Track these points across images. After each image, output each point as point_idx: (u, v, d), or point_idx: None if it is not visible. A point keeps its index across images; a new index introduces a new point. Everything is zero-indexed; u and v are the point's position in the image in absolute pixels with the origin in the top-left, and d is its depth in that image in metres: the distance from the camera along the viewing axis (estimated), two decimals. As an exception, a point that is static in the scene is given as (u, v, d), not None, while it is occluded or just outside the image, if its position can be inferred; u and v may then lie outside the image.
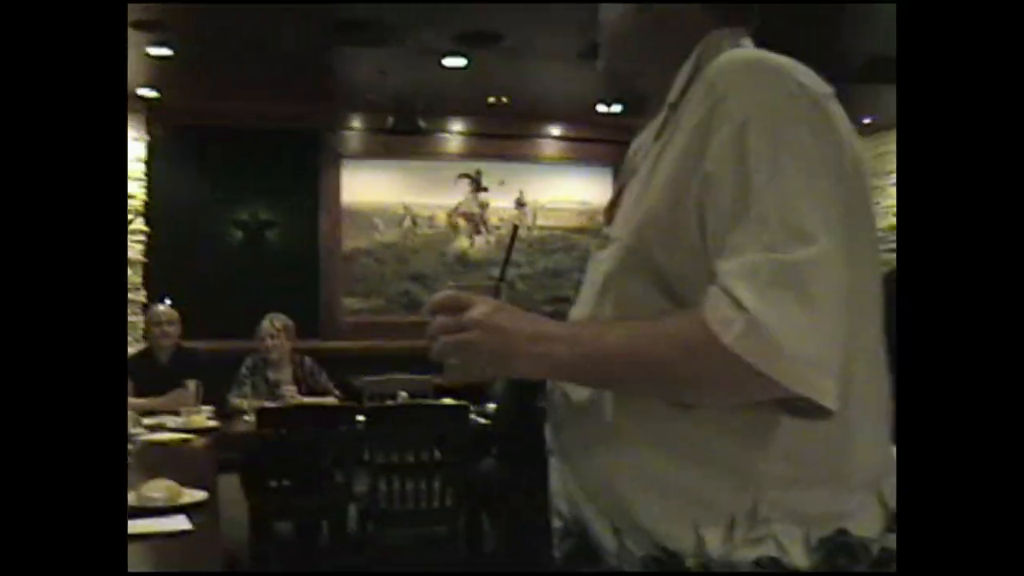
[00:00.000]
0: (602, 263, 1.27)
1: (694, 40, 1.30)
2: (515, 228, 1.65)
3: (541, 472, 1.37)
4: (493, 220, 8.88)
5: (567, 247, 9.13)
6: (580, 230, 9.21)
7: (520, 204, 9.00)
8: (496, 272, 1.35)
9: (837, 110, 1.20)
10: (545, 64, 6.83)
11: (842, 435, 1.17)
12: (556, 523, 1.33)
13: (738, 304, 1.07)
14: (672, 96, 1.27)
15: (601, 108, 8.25)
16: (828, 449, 1.18)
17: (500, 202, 8.93)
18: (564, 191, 9.17)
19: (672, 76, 1.29)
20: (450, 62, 6.52)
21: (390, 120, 7.93)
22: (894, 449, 1.23)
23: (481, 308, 1.19)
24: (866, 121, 8.36)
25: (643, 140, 1.33)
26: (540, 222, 9.08)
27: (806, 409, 1.10)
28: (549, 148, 9.06)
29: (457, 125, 8.60)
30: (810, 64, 1.21)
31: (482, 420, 4.93)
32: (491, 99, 7.80)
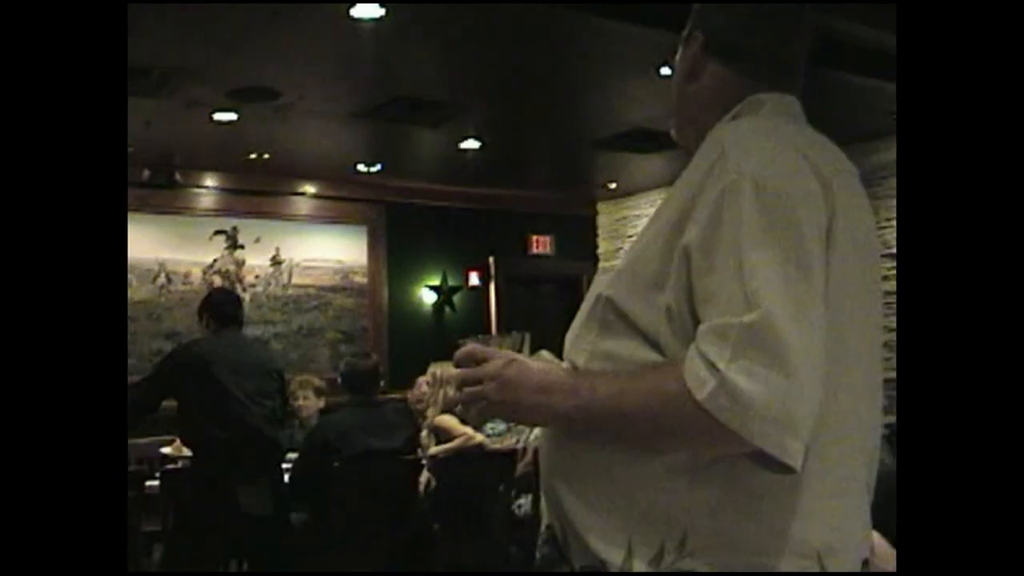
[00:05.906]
0: (598, 284, 1.35)
1: (738, 102, 1.39)
2: None
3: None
4: (249, 278, 8.72)
5: (322, 305, 9.10)
6: (335, 289, 9.22)
7: (276, 262, 8.91)
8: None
9: (847, 188, 1.28)
10: (312, 122, 6.87)
11: (782, 503, 1.21)
12: (543, 529, 1.39)
13: (711, 364, 1.14)
14: (695, 148, 1.35)
15: (361, 168, 8.38)
16: (763, 514, 1.21)
17: (256, 260, 8.78)
18: (319, 250, 9.16)
19: None
20: (221, 116, 6.45)
21: (146, 173, 7.66)
22: (858, 524, 1.27)
23: (495, 362, 1.31)
24: (612, 186, 9.08)
25: None
26: (295, 280, 9.01)
27: (771, 463, 1.15)
28: (305, 206, 9.04)
29: (215, 180, 8.42)
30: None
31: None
32: (252, 155, 7.74)
